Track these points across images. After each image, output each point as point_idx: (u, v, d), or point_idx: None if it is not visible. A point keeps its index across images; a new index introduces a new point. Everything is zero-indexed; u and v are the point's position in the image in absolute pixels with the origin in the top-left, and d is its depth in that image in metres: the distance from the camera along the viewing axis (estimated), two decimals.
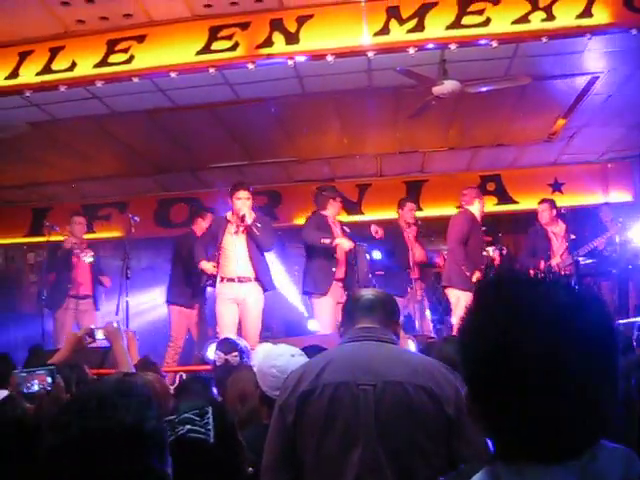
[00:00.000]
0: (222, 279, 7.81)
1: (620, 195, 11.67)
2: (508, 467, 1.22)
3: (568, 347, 1.16)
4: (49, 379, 3.08)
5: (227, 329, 7.50)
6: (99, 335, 4.34)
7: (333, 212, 8.66)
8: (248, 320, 7.72)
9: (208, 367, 6.30)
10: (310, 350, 3.70)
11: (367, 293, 3.01)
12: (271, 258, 8.71)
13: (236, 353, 5.13)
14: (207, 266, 7.86)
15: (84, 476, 1.51)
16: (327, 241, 8.20)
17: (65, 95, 7.82)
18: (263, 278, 7.86)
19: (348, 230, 8.76)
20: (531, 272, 1.28)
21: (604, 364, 1.19)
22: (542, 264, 8.82)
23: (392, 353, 2.74)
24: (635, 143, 10.86)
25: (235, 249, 7.79)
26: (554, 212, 9.29)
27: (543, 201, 9.54)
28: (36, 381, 3.06)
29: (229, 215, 7.93)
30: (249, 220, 7.69)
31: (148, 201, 12.52)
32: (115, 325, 4.27)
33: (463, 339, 1.31)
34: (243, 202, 7.74)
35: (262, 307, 7.91)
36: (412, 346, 4.66)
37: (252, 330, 7.65)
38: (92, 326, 4.51)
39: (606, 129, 10.15)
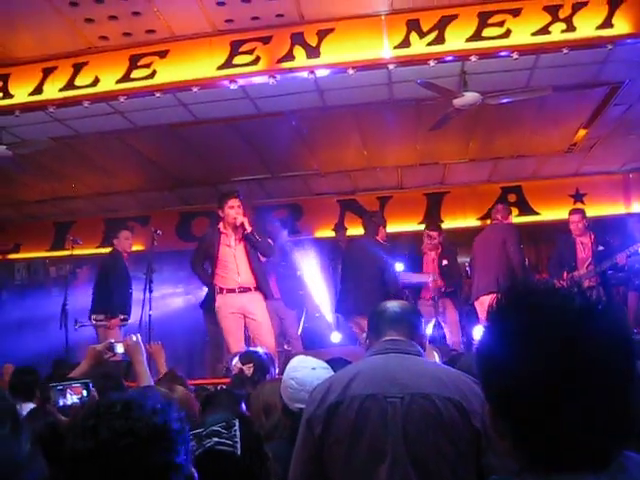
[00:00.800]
0: (222, 290, 7.62)
1: None
2: (537, 479, 1.22)
3: (586, 354, 1.16)
4: (84, 392, 3.09)
5: (236, 342, 7.37)
6: (119, 349, 4.35)
7: (382, 238, 8.74)
8: (261, 333, 7.54)
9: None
10: (335, 363, 3.69)
11: (393, 305, 2.98)
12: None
13: (251, 364, 5.10)
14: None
15: (115, 478, 1.52)
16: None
17: (88, 110, 7.91)
18: (263, 287, 7.71)
19: None
20: (549, 283, 1.28)
21: (623, 368, 1.19)
22: (566, 274, 8.75)
23: (419, 365, 2.74)
24: None
25: (235, 260, 7.59)
26: (586, 222, 9.13)
27: (574, 212, 9.31)
28: (71, 394, 3.08)
29: (222, 226, 7.69)
30: (248, 227, 7.50)
31: (170, 215, 12.60)
32: (135, 339, 4.25)
33: (483, 355, 1.31)
34: (237, 210, 7.52)
35: (268, 316, 7.75)
36: (437, 358, 4.63)
37: (267, 341, 7.40)
38: (112, 340, 4.52)
39: (627, 139, 10.08)
